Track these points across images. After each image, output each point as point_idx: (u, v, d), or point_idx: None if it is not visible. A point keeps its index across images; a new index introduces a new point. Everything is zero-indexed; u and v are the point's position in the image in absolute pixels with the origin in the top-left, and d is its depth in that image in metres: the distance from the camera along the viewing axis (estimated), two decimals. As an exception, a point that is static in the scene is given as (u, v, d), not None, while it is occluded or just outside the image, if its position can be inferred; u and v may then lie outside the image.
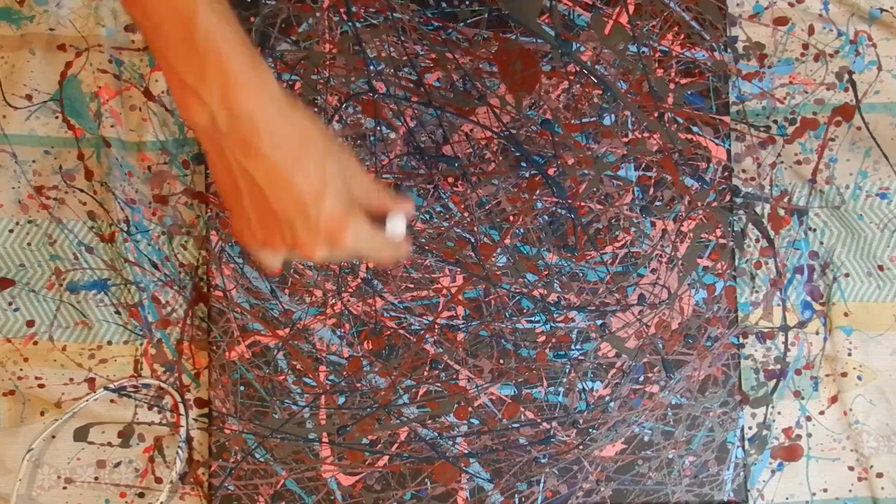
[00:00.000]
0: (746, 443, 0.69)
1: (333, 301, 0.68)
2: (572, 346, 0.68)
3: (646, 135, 0.68)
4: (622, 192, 0.68)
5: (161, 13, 0.40)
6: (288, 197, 0.44)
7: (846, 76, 0.70)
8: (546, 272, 0.68)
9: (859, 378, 0.69)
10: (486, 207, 0.68)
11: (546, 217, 0.68)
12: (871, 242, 0.70)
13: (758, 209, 0.70)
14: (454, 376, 0.68)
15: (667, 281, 0.68)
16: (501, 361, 0.68)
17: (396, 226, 0.50)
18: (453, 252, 0.68)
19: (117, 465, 0.69)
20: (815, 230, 0.70)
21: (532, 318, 0.68)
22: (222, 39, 0.41)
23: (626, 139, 0.68)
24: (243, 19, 0.68)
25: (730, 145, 0.69)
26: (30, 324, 0.69)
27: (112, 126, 0.69)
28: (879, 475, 0.69)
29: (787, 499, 0.69)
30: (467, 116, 0.68)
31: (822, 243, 0.70)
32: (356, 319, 0.68)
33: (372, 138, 0.68)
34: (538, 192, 0.68)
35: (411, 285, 0.68)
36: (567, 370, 0.68)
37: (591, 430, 0.68)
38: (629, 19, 0.69)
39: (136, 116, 0.70)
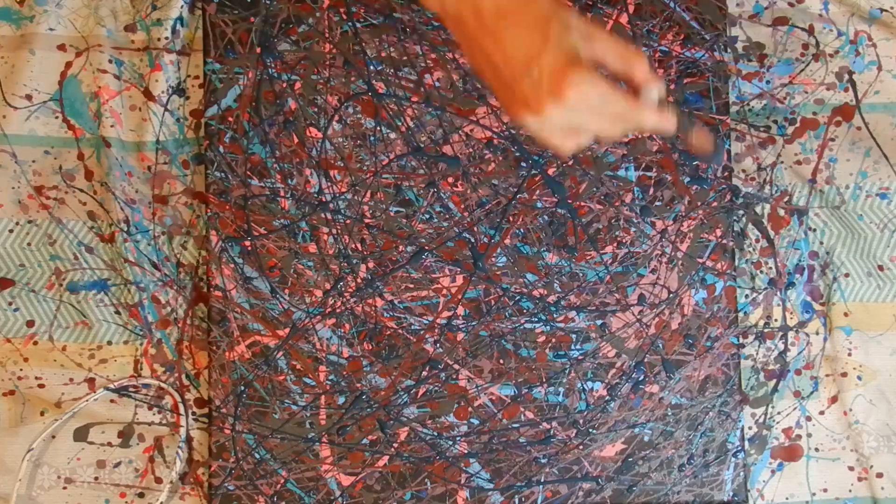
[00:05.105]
0: (746, 443, 0.69)
1: (333, 301, 0.68)
2: (572, 346, 0.68)
3: (646, 135, 0.68)
4: (622, 192, 0.68)
5: None
6: (513, 55, 0.47)
7: (846, 76, 0.70)
8: (546, 272, 0.68)
9: (859, 378, 0.69)
10: (486, 207, 0.68)
11: (546, 217, 0.68)
12: (871, 242, 0.70)
13: (758, 209, 0.70)
14: (454, 376, 0.68)
15: (667, 281, 0.68)
16: (501, 361, 0.68)
17: (651, 94, 0.49)
18: (453, 252, 0.68)
19: (117, 465, 0.69)
20: (815, 230, 0.70)
21: (532, 319, 0.68)
22: None
23: (626, 139, 0.68)
24: (243, 19, 0.68)
25: (730, 145, 0.69)
26: (30, 324, 0.69)
27: (112, 126, 0.69)
28: (879, 475, 0.69)
29: (787, 499, 0.69)
30: (467, 116, 0.68)
31: (822, 243, 0.70)
32: (356, 319, 0.68)
33: (372, 138, 0.68)
34: (538, 192, 0.68)
35: (411, 285, 0.68)
36: (567, 370, 0.68)
37: (591, 430, 0.68)
38: (629, 19, 0.69)
39: (136, 116, 0.70)
